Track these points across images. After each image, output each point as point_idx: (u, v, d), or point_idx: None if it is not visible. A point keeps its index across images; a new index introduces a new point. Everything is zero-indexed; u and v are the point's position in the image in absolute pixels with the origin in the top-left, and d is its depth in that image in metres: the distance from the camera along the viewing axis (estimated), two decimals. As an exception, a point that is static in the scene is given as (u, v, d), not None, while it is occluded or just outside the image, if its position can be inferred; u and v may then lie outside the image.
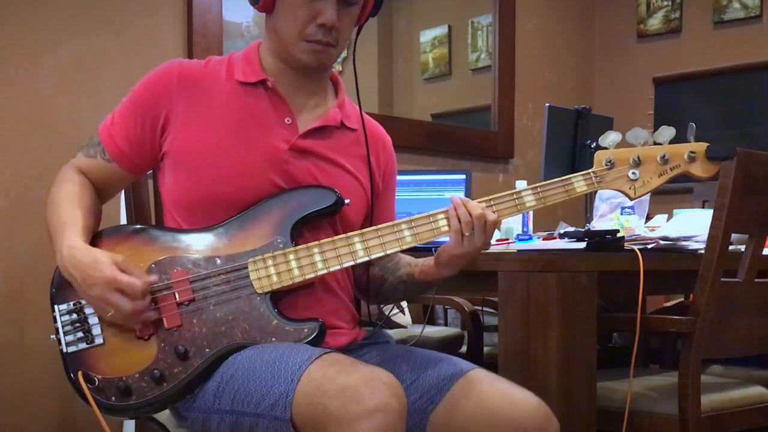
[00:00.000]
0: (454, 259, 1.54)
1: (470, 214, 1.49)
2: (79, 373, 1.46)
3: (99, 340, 1.49)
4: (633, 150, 1.58)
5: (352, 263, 1.52)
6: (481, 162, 4.16)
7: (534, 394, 1.48)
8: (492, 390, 1.46)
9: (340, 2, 1.53)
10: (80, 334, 1.49)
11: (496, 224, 1.52)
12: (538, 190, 1.56)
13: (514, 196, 1.55)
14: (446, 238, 1.55)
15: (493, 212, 1.53)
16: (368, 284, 1.71)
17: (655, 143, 1.58)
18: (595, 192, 2.57)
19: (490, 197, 1.54)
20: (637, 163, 1.57)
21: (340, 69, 3.28)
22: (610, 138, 1.59)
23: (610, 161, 1.57)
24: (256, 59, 1.60)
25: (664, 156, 1.57)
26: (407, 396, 1.44)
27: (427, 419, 1.48)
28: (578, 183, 1.57)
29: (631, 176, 1.57)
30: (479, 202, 1.53)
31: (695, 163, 1.57)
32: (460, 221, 1.50)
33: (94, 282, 1.43)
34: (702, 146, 1.57)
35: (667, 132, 1.58)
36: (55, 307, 1.51)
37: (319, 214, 1.55)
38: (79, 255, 1.46)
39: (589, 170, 1.57)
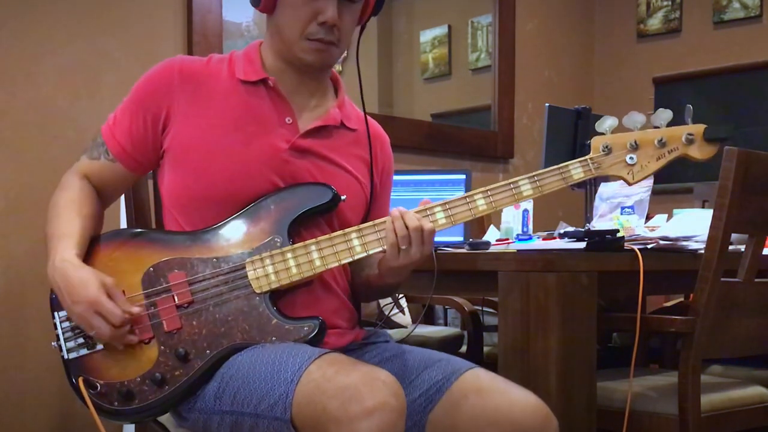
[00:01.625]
0: (391, 270, 1.53)
1: (407, 227, 1.48)
2: (80, 380, 1.46)
3: (99, 346, 1.48)
4: (630, 134, 1.55)
5: (350, 259, 1.51)
6: (481, 162, 4.16)
7: (533, 393, 1.47)
8: (491, 389, 1.46)
9: (341, 0, 1.53)
10: (81, 340, 1.49)
11: (434, 232, 1.50)
12: (535, 178, 1.54)
13: (511, 185, 1.53)
14: (443, 238, 1.55)
15: (431, 221, 1.50)
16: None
17: (653, 127, 1.56)
18: (595, 191, 2.57)
19: (487, 188, 1.54)
20: (635, 147, 1.55)
21: (341, 69, 3.28)
22: (607, 123, 1.57)
23: (606, 147, 1.55)
24: (258, 58, 1.60)
25: (661, 139, 1.54)
26: (407, 395, 1.44)
27: (426, 419, 1.48)
28: (575, 170, 1.55)
29: (629, 161, 1.55)
30: (430, 207, 1.51)
31: (693, 146, 1.54)
32: (396, 235, 1.48)
33: (77, 300, 1.43)
34: (700, 128, 1.54)
35: (664, 115, 1.55)
36: (55, 314, 1.51)
37: (316, 212, 1.55)
38: (70, 270, 1.45)
39: (586, 156, 1.55)
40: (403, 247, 1.48)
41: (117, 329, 1.44)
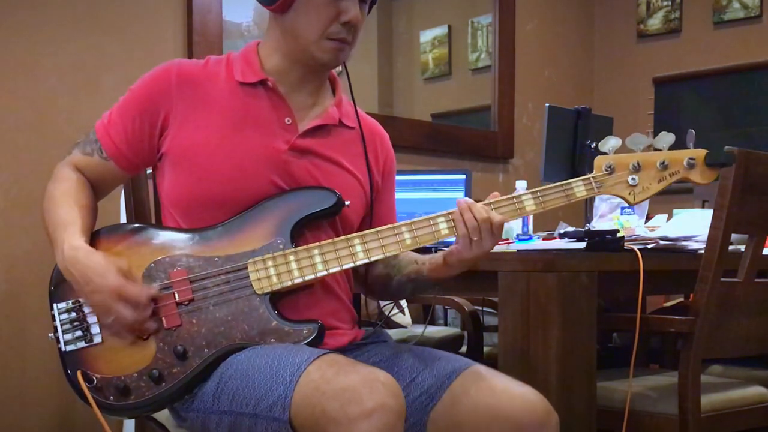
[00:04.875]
0: (464, 262, 1.54)
1: (476, 219, 1.49)
2: (78, 373, 1.46)
3: (98, 339, 1.48)
4: (632, 156, 1.58)
5: (352, 265, 1.52)
6: (481, 162, 4.16)
7: (534, 388, 1.47)
8: (492, 385, 1.46)
9: (360, 0, 1.54)
10: (79, 333, 1.49)
11: (503, 225, 1.52)
12: (539, 194, 1.56)
13: (515, 200, 1.55)
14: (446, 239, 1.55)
15: (516, 209, 1.53)
16: (366, 281, 1.70)
17: (655, 149, 1.59)
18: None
19: (490, 201, 1.54)
20: (637, 168, 1.57)
21: (340, 69, 3.28)
22: (610, 143, 1.60)
23: (609, 167, 1.58)
24: (256, 59, 1.60)
25: (663, 162, 1.57)
26: (407, 394, 1.44)
27: (428, 417, 1.48)
28: (578, 188, 1.57)
29: (631, 182, 1.57)
30: (484, 204, 1.53)
31: (694, 170, 1.57)
32: (467, 226, 1.50)
33: (97, 288, 1.43)
34: (701, 153, 1.57)
35: (667, 138, 1.58)
36: (54, 305, 1.51)
37: (319, 215, 1.55)
38: (82, 257, 1.45)
39: (589, 175, 1.58)
40: (475, 239, 1.49)
41: (140, 312, 1.44)
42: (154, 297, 1.46)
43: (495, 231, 1.50)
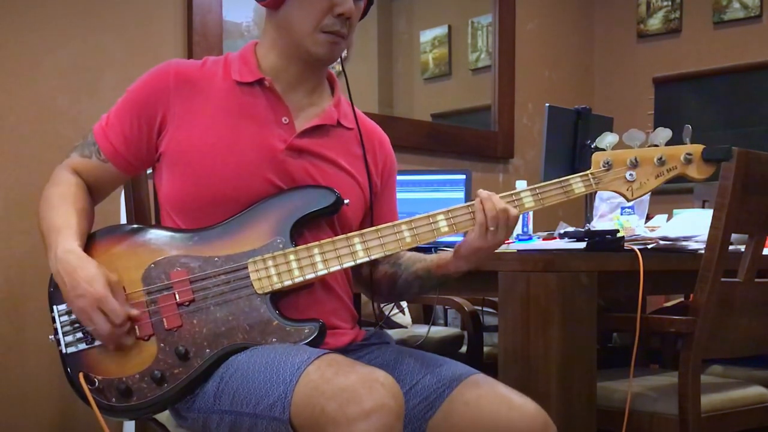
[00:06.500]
0: (476, 252, 1.53)
1: (496, 208, 1.50)
2: (80, 374, 1.46)
3: (99, 341, 1.48)
4: (630, 151, 1.59)
5: (352, 263, 1.52)
6: (481, 162, 4.16)
7: (533, 399, 1.47)
8: (491, 395, 1.46)
9: None
10: (79, 335, 1.49)
11: (518, 218, 1.53)
12: (537, 191, 1.56)
13: (513, 197, 1.55)
14: (445, 239, 1.55)
15: (515, 207, 1.53)
16: (372, 281, 1.70)
17: (652, 145, 1.59)
18: (594, 192, 2.57)
19: None
20: (634, 164, 1.58)
21: (341, 69, 3.28)
22: (607, 140, 1.60)
23: (607, 163, 1.58)
24: (253, 59, 1.60)
25: (660, 158, 1.57)
26: (407, 401, 1.44)
27: (426, 425, 1.48)
28: (576, 184, 1.57)
29: (629, 178, 1.58)
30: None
31: (692, 165, 1.58)
32: (486, 215, 1.50)
33: (82, 293, 1.43)
34: (698, 148, 1.58)
35: (664, 134, 1.59)
36: (54, 307, 1.50)
37: (319, 215, 1.55)
38: (75, 261, 1.45)
39: (587, 172, 1.58)
40: (491, 228, 1.49)
41: (116, 328, 1.44)
42: (132, 317, 1.45)
43: (510, 223, 1.51)
